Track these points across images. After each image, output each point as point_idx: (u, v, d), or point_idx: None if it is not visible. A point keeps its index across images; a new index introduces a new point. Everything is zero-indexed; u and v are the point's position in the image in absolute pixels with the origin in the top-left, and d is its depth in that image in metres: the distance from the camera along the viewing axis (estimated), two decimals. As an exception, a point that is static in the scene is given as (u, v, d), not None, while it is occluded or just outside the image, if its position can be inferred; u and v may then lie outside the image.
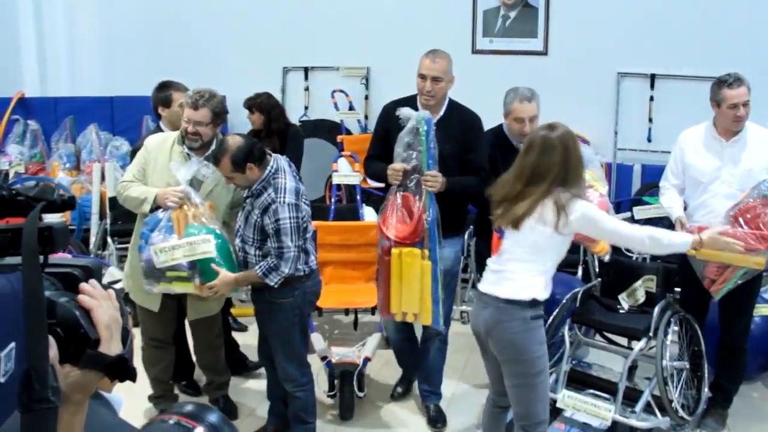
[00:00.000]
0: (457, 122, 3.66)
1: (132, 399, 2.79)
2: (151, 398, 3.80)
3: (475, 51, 6.70)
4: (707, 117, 3.85)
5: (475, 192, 3.60)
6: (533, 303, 2.88)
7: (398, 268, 3.36)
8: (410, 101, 3.67)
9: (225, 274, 3.22)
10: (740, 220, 3.49)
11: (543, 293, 2.92)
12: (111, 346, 0.97)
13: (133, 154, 3.89)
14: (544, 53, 6.57)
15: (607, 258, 3.85)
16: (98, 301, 0.98)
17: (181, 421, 1.10)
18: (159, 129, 4.03)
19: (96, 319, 0.97)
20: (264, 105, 4.82)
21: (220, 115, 3.47)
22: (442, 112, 3.66)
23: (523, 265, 2.92)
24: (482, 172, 3.62)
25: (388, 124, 3.61)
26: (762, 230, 3.38)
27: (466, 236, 4.58)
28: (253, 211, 3.21)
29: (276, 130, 4.81)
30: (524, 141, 3.08)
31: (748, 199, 3.49)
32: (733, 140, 3.70)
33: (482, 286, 3.03)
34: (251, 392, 4.14)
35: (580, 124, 6.35)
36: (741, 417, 3.91)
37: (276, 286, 3.18)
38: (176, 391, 3.96)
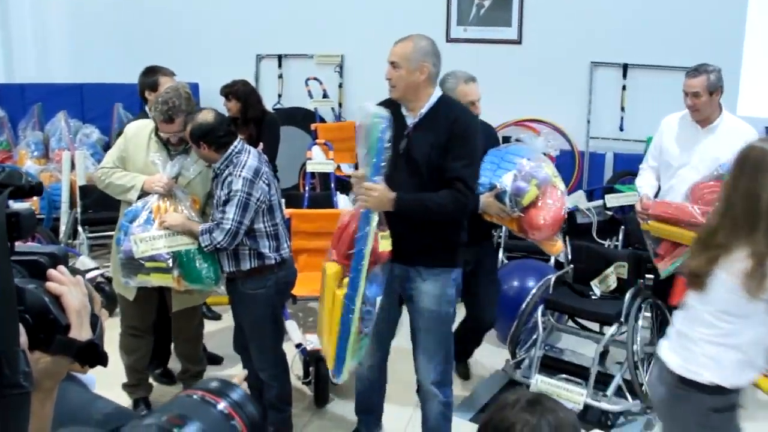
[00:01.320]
0: (443, 124, 2.92)
1: (105, 389, 2.78)
2: (125, 387, 3.79)
3: (449, 40, 6.72)
4: (678, 106, 3.93)
5: (444, 213, 2.93)
6: (716, 389, 2.17)
7: (322, 284, 2.93)
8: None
9: (179, 215, 3.26)
10: (692, 196, 3.60)
11: (732, 378, 2.18)
12: (81, 332, 0.97)
13: (117, 138, 3.87)
14: (518, 42, 6.62)
15: (562, 258, 3.96)
16: (67, 287, 0.98)
17: (206, 397, 1.12)
18: (145, 114, 4.01)
19: (65, 304, 0.97)
20: (240, 92, 4.82)
21: (192, 113, 3.45)
22: (423, 111, 2.96)
23: (707, 333, 2.22)
24: (459, 184, 2.88)
25: None
26: (709, 207, 3.49)
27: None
28: (216, 191, 3.24)
29: (252, 118, 4.81)
30: (735, 157, 2.37)
31: (705, 179, 3.60)
32: (707, 128, 3.79)
33: (660, 349, 2.41)
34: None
35: (554, 113, 6.48)
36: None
37: (205, 249, 3.19)
38: (151, 380, 3.95)
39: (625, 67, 6.35)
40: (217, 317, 4.90)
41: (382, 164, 2.77)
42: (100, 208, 5.42)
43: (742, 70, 6.00)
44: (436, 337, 3.03)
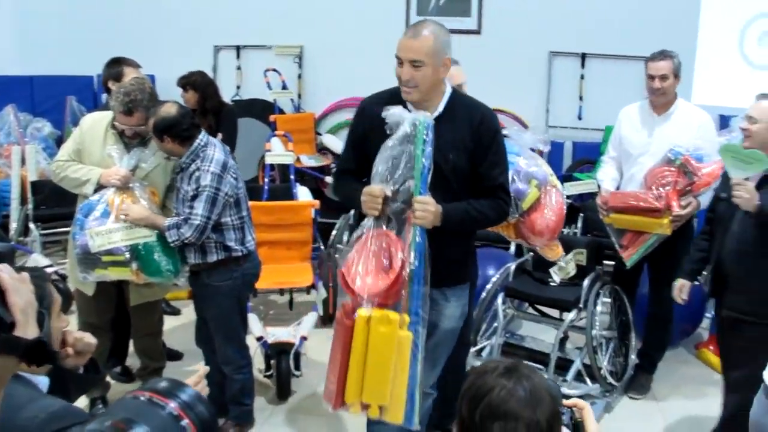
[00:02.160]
0: (464, 122, 2.62)
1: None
2: None
3: (409, 29, 6.72)
4: (636, 95, 4.02)
5: (487, 222, 2.77)
6: None
7: (363, 338, 2.37)
8: (397, 95, 2.64)
9: (142, 207, 3.23)
10: (648, 182, 3.70)
11: None
12: (27, 330, 0.95)
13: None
14: (478, 32, 6.65)
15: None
16: (12, 284, 0.96)
17: (154, 398, 1.10)
18: (106, 106, 3.95)
19: (10, 302, 0.95)
20: (198, 83, 4.78)
21: (152, 106, 3.40)
22: (439, 110, 2.64)
23: None
24: (501, 192, 2.69)
25: (367, 128, 2.66)
26: (660, 191, 3.58)
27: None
28: (182, 186, 3.21)
29: (210, 109, 4.78)
30: None
31: (658, 164, 3.68)
32: (664, 115, 3.87)
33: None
34: (186, 378, 4.07)
35: (514, 103, 6.53)
36: (664, 380, 4.14)
37: (172, 245, 3.17)
38: (108, 378, 3.90)
39: (583, 57, 6.43)
40: (176, 312, 4.86)
41: (427, 177, 2.46)
42: (53, 204, 5.32)
43: (697, 60, 6.12)
44: (445, 349, 2.85)
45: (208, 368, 1.59)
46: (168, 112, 3.16)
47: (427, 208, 2.43)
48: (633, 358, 4.05)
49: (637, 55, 5.64)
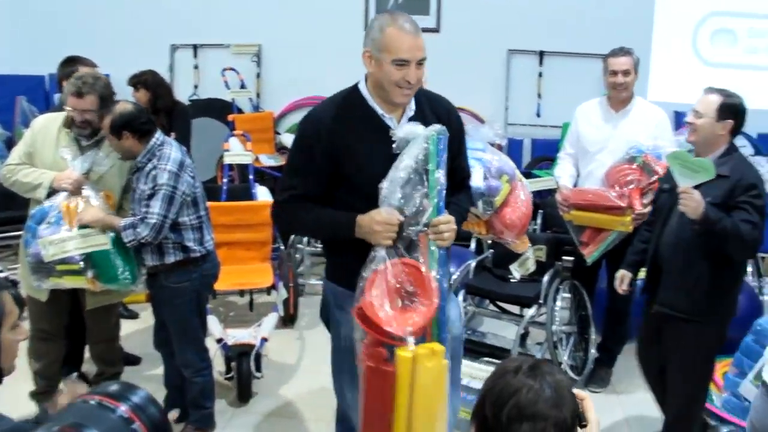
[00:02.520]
0: (434, 117, 2.44)
1: (10, 399, 2.67)
2: (32, 395, 3.64)
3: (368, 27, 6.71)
4: (593, 92, 4.07)
5: (467, 217, 2.74)
6: None
7: (409, 379, 2.13)
8: (351, 102, 2.41)
9: (96, 209, 3.17)
10: (608, 180, 3.74)
11: None
12: None
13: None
14: (437, 30, 6.67)
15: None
16: None
17: (104, 401, 1.08)
18: (60, 107, 3.86)
19: None
20: (149, 82, 4.71)
21: (107, 99, 3.34)
22: (413, 108, 2.46)
23: None
24: (468, 182, 2.70)
25: (336, 147, 2.35)
26: (623, 189, 3.63)
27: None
28: (138, 185, 3.15)
29: (162, 108, 4.71)
30: None
31: (619, 162, 3.73)
32: (621, 112, 3.93)
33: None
34: (145, 382, 4.03)
35: (473, 101, 6.56)
36: (623, 373, 4.19)
37: (129, 245, 3.12)
38: (61, 386, 3.81)
39: (541, 55, 6.50)
40: (134, 316, 4.78)
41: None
42: (3, 207, 5.18)
43: (652, 57, 6.24)
44: (458, 362, 2.69)
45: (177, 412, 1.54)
46: (125, 108, 3.13)
47: (452, 227, 2.29)
48: (593, 352, 4.11)
49: (593, 52, 5.73)
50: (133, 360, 4.20)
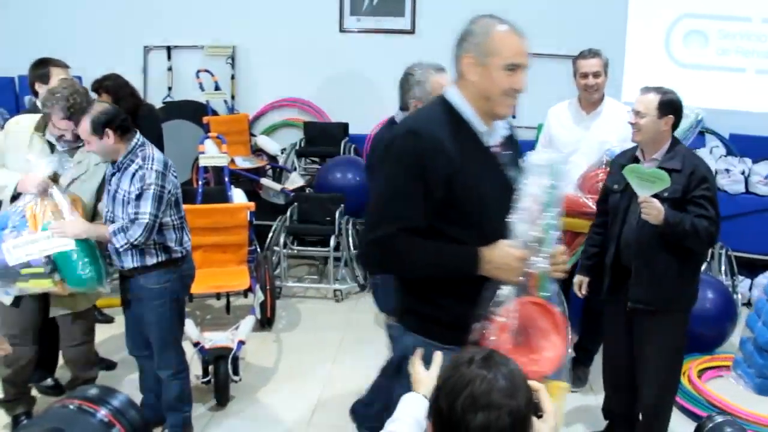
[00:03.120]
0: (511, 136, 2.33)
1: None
2: (1, 403, 3.56)
3: (342, 30, 6.73)
4: (568, 93, 4.10)
5: None
6: None
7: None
8: (452, 115, 2.10)
9: (78, 220, 3.12)
10: (583, 186, 3.77)
11: None
12: None
13: None
14: (411, 32, 6.70)
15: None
16: None
17: (83, 406, 1.07)
18: (36, 108, 3.81)
19: None
20: (111, 86, 4.65)
21: (89, 109, 3.27)
22: (506, 126, 2.29)
23: None
24: None
25: (448, 169, 2.02)
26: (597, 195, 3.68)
27: None
28: (120, 187, 3.11)
29: (125, 110, 4.65)
30: None
31: (593, 167, 3.77)
32: (593, 113, 3.97)
33: None
34: (121, 387, 3.98)
35: (448, 102, 6.59)
36: (601, 372, 4.21)
37: (121, 249, 3.09)
38: (34, 392, 3.74)
39: (515, 56, 6.55)
40: (109, 320, 4.73)
41: None
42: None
43: (626, 58, 6.32)
44: None
45: None
46: (104, 106, 3.12)
47: (565, 259, 2.10)
48: (570, 351, 4.12)
49: (568, 54, 5.77)
50: (109, 365, 4.16)
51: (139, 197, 3.05)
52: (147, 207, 3.04)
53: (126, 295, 3.33)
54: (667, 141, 3.07)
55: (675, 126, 3.08)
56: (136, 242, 3.06)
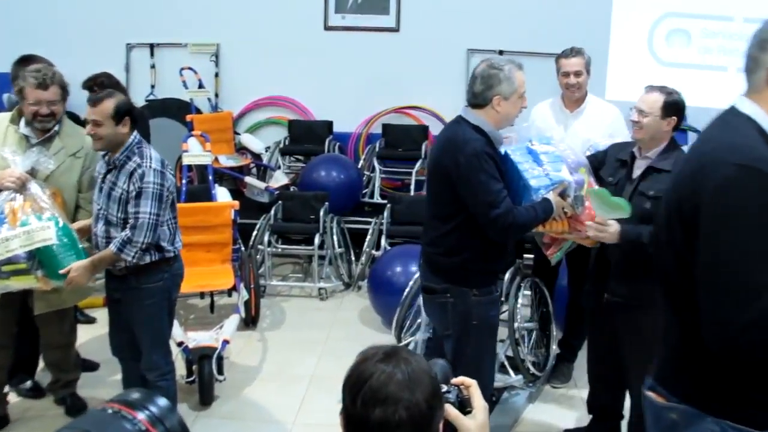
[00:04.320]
0: None
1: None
2: None
3: (327, 27, 6.72)
4: (553, 91, 4.11)
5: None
6: None
7: None
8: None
9: (79, 262, 3.05)
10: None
11: None
12: None
13: None
14: (396, 30, 6.71)
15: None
16: None
17: (122, 411, 1.05)
18: (12, 108, 3.77)
19: None
20: (105, 85, 4.60)
21: (66, 89, 3.33)
22: None
23: None
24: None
25: None
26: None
27: None
28: (117, 185, 3.07)
29: None
30: None
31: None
32: (576, 112, 3.98)
33: None
34: (104, 389, 3.93)
35: (432, 100, 6.64)
36: (585, 368, 4.23)
37: (134, 259, 3.04)
38: (13, 396, 3.70)
39: (500, 54, 6.55)
40: (91, 321, 4.70)
41: None
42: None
43: (610, 57, 6.36)
44: None
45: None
46: (121, 96, 3.12)
47: None
48: (554, 348, 4.16)
49: (552, 52, 5.78)
50: (91, 366, 4.12)
51: (138, 196, 3.01)
52: (147, 206, 3.01)
53: (114, 294, 3.29)
54: (666, 141, 3.06)
55: (676, 127, 3.07)
56: (144, 246, 3.02)
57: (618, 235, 2.97)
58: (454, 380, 1.51)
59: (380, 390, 1.32)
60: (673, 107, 3.03)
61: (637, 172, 3.09)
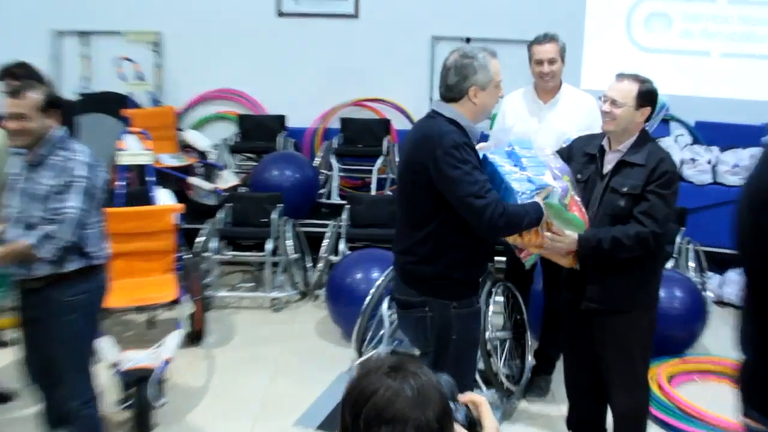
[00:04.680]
0: None
1: None
2: None
3: (280, 14, 6.65)
4: (524, 80, 4.05)
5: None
6: None
7: None
8: None
9: None
10: None
11: None
12: None
13: None
14: (355, 16, 6.65)
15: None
16: None
17: None
18: None
19: None
20: (20, 75, 4.44)
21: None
22: None
23: None
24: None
25: None
26: None
27: None
28: (39, 181, 2.94)
29: None
30: None
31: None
32: (550, 102, 3.93)
33: None
34: (20, 423, 3.73)
35: (395, 91, 6.58)
36: (562, 380, 4.18)
37: (52, 257, 2.91)
38: None
39: (467, 42, 6.50)
40: (2, 344, 4.46)
41: None
42: None
43: (585, 43, 6.34)
44: None
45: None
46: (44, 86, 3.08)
47: None
48: (530, 359, 4.09)
49: (523, 39, 5.73)
50: (6, 397, 3.91)
51: (64, 191, 2.90)
52: (73, 201, 2.89)
53: (28, 312, 3.11)
54: (637, 132, 3.04)
55: (648, 118, 3.06)
56: (66, 243, 2.90)
57: (576, 243, 2.95)
58: (462, 397, 1.50)
59: (387, 408, 1.28)
60: (648, 96, 3.01)
61: (607, 167, 3.05)
